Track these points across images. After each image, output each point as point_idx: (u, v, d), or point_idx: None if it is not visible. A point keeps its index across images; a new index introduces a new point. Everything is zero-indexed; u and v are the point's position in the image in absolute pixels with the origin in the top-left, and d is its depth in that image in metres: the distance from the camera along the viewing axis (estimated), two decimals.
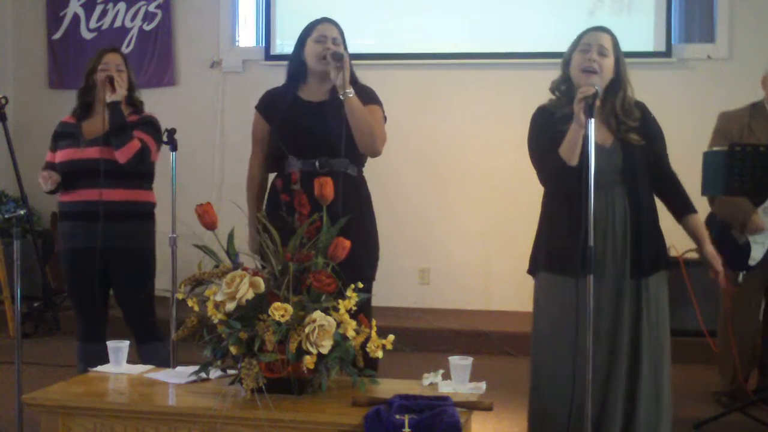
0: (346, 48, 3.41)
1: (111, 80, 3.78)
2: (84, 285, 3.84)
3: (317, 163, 3.28)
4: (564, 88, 3.08)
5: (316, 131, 3.29)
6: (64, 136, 3.90)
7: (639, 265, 2.99)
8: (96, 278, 3.82)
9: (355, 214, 3.20)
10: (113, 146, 3.74)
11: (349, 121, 3.24)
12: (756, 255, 4.09)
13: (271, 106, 3.45)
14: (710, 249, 3.06)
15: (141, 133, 3.80)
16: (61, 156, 3.86)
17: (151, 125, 3.89)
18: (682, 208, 3.09)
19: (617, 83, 3.04)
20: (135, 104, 3.94)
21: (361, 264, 3.25)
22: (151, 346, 3.85)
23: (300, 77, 3.41)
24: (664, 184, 3.09)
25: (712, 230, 4.21)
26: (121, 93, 3.79)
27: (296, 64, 3.42)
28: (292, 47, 3.45)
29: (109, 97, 3.77)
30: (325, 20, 3.43)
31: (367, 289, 3.36)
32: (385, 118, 3.44)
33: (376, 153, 3.35)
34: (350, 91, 3.22)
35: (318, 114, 3.31)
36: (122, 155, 3.73)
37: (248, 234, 3.37)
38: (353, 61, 3.37)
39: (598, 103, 2.84)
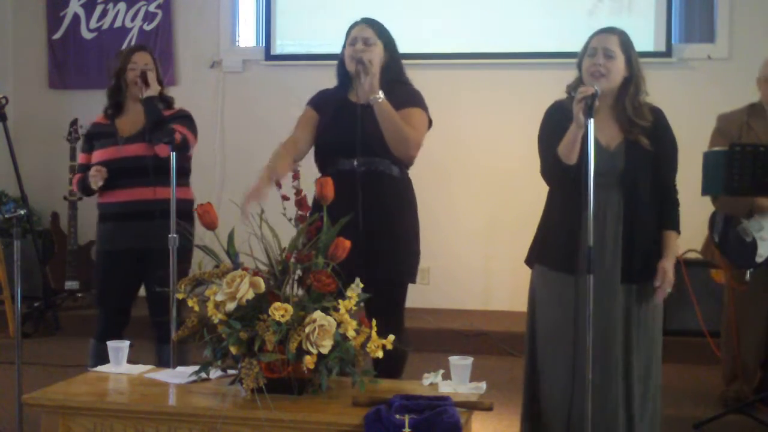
0: (391, 47, 3.40)
1: (144, 76, 3.80)
2: (119, 288, 3.88)
3: (356, 162, 3.29)
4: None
5: (356, 132, 3.27)
6: (99, 136, 3.91)
7: (629, 271, 2.99)
8: (132, 280, 3.87)
9: (395, 214, 3.20)
10: (153, 141, 3.73)
11: (381, 126, 3.22)
12: (763, 252, 4.05)
13: (322, 102, 3.45)
14: (665, 266, 3.01)
15: (179, 126, 3.79)
16: (99, 156, 3.86)
17: (188, 119, 3.92)
18: (666, 222, 3.07)
19: (629, 81, 3.03)
20: (167, 100, 3.97)
21: (397, 268, 3.27)
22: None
23: (347, 80, 3.40)
24: (658, 191, 3.07)
25: (714, 231, 4.20)
26: (155, 88, 3.83)
27: (340, 67, 3.42)
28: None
29: (144, 93, 3.79)
30: (362, 21, 3.41)
31: (403, 293, 3.38)
32: (430, 122, 3.41)
33: (408, 159, 3.33)
34: (379, 96, 3.20)
35: (360, 115, 3.29)
36: (163, 149, 3.72)
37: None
38: (406, 61, 3.40)
39: (597, 103, 2.84)
